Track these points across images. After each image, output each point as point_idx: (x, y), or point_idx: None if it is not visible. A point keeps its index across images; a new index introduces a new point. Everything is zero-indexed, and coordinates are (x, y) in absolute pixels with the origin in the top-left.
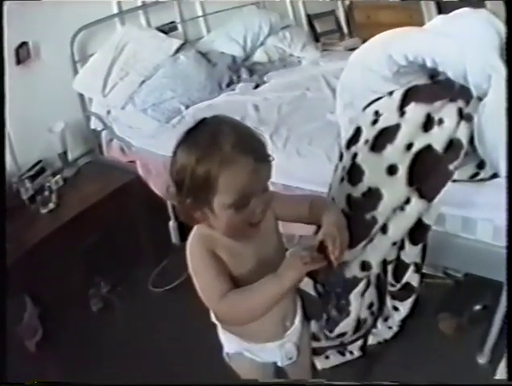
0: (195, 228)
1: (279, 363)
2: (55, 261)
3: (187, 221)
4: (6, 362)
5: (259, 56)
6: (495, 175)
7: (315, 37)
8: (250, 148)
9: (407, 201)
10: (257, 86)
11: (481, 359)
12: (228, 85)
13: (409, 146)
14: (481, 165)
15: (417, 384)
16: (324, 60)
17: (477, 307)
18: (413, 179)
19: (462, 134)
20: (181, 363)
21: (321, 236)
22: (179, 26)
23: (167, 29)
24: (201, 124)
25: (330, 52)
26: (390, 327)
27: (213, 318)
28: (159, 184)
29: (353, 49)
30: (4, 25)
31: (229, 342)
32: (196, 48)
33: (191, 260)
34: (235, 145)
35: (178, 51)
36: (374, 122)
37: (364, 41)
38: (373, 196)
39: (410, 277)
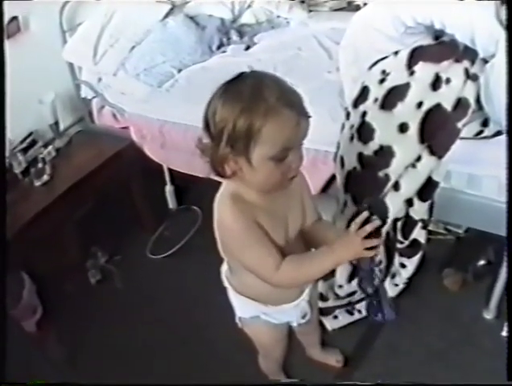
0: (223, 188)
1: (294, 323)
2: (51, 235)
3: (218, 173)
4: (6, 361)
5: (247, 18)
6: (498, 133)
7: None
8: (294, 101)
9: (419, 158)
10: (248, 47)
11: (488, 315)
12: (218, 48)
13: (419, 105)
14: (485, 123)
15: (418, 384)
16: (312, 21)
17: (481, 263)
18: (424, 137)
19: (469, 93)
20: (184, 329)
21: None
22: None
23: None
24: (240, 78)
25: (317, 13)
26: (396, 285)
27: (225, 283)
28: (154, 149)
29: (338, 9)
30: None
31: (245, 307)
32: (185, 12)
33: (230, 234)
34: (280, 98)
35: (167, 15)
36: (382, 81)
37: (349, 2)
38: (385, 154)
39: (418, 233)
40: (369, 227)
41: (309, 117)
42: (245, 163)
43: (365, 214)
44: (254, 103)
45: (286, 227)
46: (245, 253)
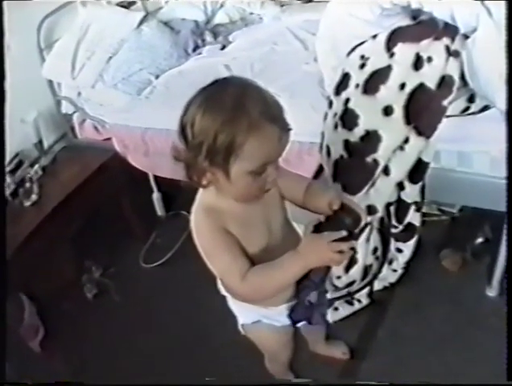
0: (198, 199)
1: (298, 324)
2: (44, 254)
3: (194, 183)
4: (6, 362)
5: (220, 18)
6: (485, 108)
7: None
8: (276, 115)
9: (406, 140)
10: (223, 47)
11: (491, 293)
12: (194, 50)
13: (402, 86)
14: (471, 98)
15: (417, 384)
16: (285, 15)
17: (479, 240)
18: (409, 118)
19: (452, 70)
20: (185, 337)
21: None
22: (138, 0)
23: (127, 4)
24: (221, 85)
25: (289, 6)
26: (394, 270)
27: (223, 291)
28: (138, 157)
29: (310, 0)
30: (5, 25)
31: (245, 313)
32: (158, 18)
33: (201, 240)
34: (263, 112)
35: (141, 23)
36: (362, 66)
37: None
38: (371, 139)
39: (412, 216)
40: (336, 235)
41: (290, 130)
42: (223, 176)
43: (344, 233)
44: (237, 116)
45: (269, 228)
46: (212, 261)
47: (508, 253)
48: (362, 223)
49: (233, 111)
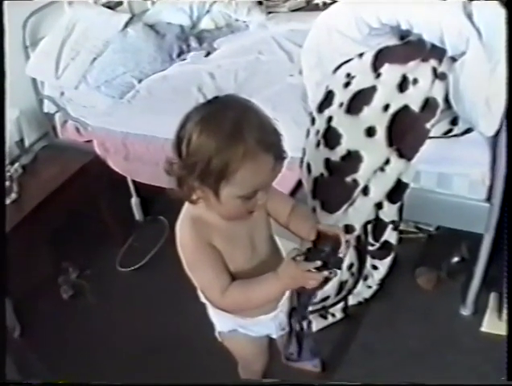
0: (186, 207)
1: (274, 335)
2: (22, 253)
3: (184, 197)
4: (5, 361)
5: (206, 24)
6: (468, 131)
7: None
8: (273, 144)
9: (387, 162)
10: (208, 54)
11: (465, 311)
12: (178, 55)
13: (386, 107)
14: (454, 121)
15: (417, 384)
16: (271, 23)
17: (455, 259)
18: (392, 140)
19: (437, 93)
20: (160, 341)
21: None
22: (125, 1)
23: (113, 5)
24: (221, 105)
25: (276, 14)
26: (369, 286)
27: (202, 299)
28: (118, 161)
29: (297, 9)
30: (5, 24)
31: (222, 321)
32: (144, 21)
33: (185, 251)
34: (260, 140)
35: (126, 25)
36: (347, 84)
37: (307, 2)
38: (353, 159)
39: (389, 235)
40: (312, 265)
41: (285, 158)
42: (213, 196)
43: (318, 263)
44: (233, 143)
45: (253, 245)
46: (194, 273)
47: (508, 256)
48: (342, 246)
49: (230, 137)
